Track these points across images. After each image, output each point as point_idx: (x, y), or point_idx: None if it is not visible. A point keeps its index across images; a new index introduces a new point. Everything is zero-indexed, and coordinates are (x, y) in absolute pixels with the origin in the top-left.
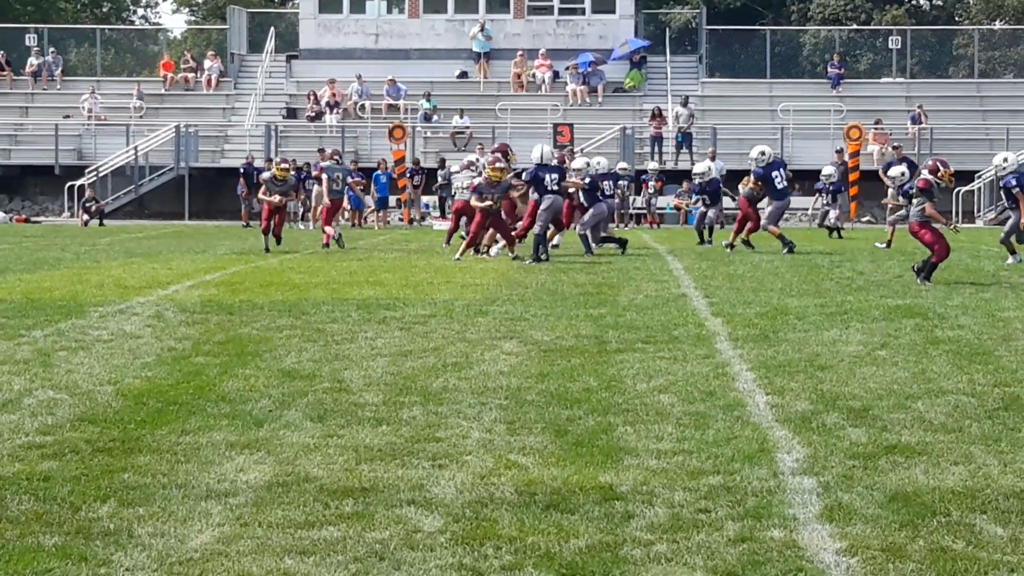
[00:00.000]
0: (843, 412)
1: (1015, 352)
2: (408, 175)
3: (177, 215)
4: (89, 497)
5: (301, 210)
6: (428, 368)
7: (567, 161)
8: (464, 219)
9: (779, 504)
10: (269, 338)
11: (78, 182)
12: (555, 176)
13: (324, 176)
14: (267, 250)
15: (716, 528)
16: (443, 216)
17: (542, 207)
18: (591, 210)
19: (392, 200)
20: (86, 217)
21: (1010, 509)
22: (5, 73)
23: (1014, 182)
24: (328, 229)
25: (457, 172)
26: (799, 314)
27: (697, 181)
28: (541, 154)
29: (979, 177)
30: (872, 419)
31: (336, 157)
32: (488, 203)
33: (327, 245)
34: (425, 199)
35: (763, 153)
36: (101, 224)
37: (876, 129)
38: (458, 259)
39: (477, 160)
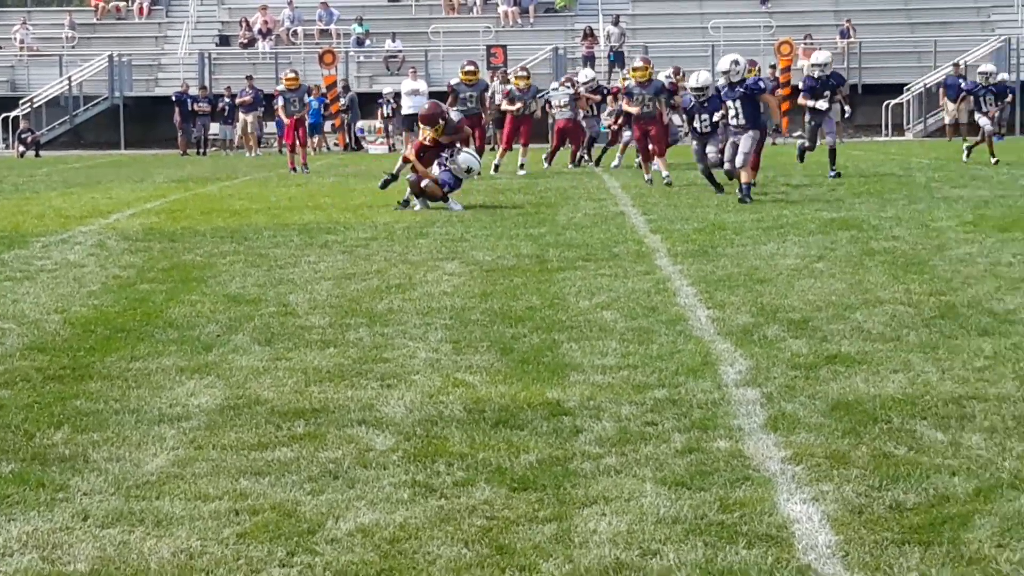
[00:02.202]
0: (783, 324)
1: (949, 261)
2: (340, 100)
3: (113, 145)
4: (43, 424)
5: (236, 136)
6: (372, 290)
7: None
8: (568, 138)
9: (724, 415)
10: (213, 264)
11: (12, 113)
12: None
13: (280, 100)
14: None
15: (663, 440)
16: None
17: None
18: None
19: (327, 125)
20: (22, 148)
21: (949, 415)
22: None
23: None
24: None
25: (555, 90)
26: (736, 229)
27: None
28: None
29: (908, 90)
30: (812, 330)
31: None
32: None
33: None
34: (360, 124)
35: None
36: (37, 155)
37: (806, 44)
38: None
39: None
